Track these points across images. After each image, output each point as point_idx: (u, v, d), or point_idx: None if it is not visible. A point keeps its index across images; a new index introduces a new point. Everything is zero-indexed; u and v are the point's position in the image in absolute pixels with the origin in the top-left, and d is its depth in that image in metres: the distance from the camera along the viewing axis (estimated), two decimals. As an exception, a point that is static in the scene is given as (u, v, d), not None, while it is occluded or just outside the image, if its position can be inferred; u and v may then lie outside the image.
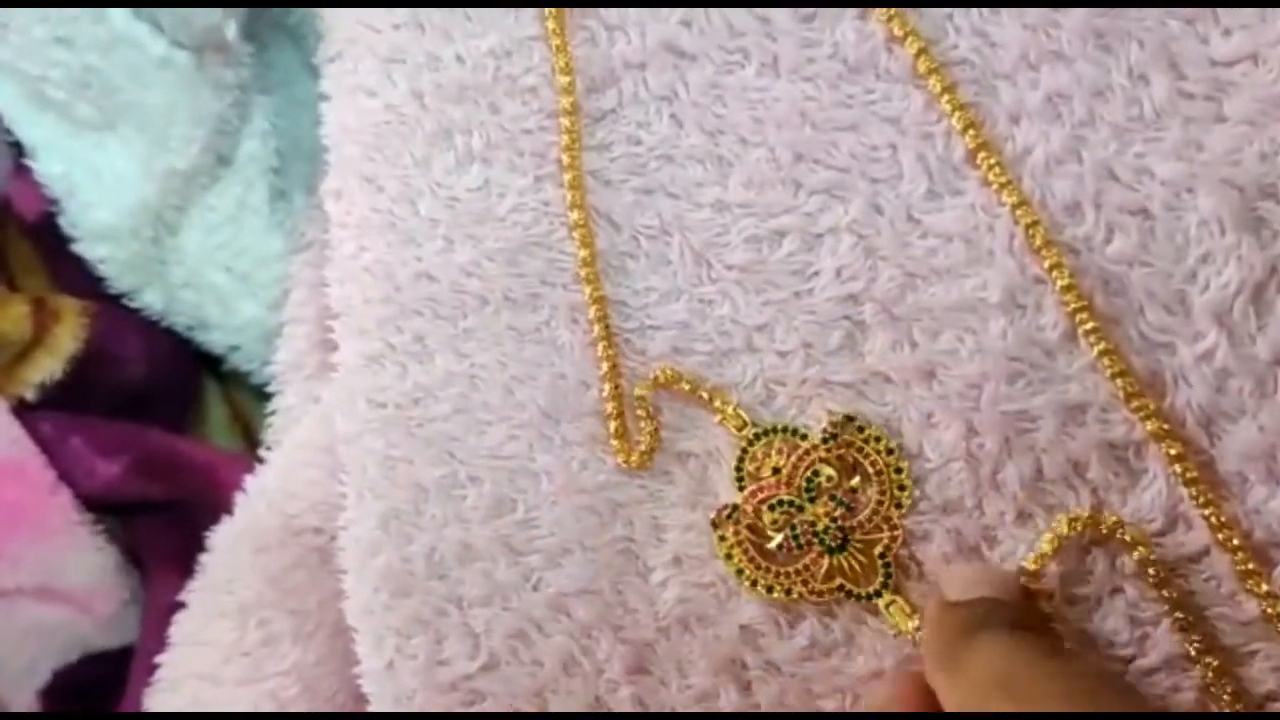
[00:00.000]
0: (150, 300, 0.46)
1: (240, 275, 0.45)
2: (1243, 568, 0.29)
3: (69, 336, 0.45)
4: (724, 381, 0.33)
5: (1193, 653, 0.28)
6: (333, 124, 0.38)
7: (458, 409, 0.34)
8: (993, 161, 0.32)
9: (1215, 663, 0.28)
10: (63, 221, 0.45)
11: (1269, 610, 0.28)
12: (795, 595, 0.31)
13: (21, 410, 0.43)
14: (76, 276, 0.46)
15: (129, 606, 0.44)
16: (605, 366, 0.33)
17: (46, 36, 0.43)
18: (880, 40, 0.34)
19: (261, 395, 0.45)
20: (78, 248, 0.45)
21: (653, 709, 0.32)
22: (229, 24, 0.43)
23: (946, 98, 0.32)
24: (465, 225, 0.35)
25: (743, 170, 0.34)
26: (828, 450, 0.31)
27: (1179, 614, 0.28)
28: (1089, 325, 0.30)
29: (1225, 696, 0.28)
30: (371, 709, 0.34)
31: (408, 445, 0.34)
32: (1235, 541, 0.29)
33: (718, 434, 0.33)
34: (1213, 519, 0.29)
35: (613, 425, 0.33)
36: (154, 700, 0.39)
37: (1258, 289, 0.29)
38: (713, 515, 0.32)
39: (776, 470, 0.31)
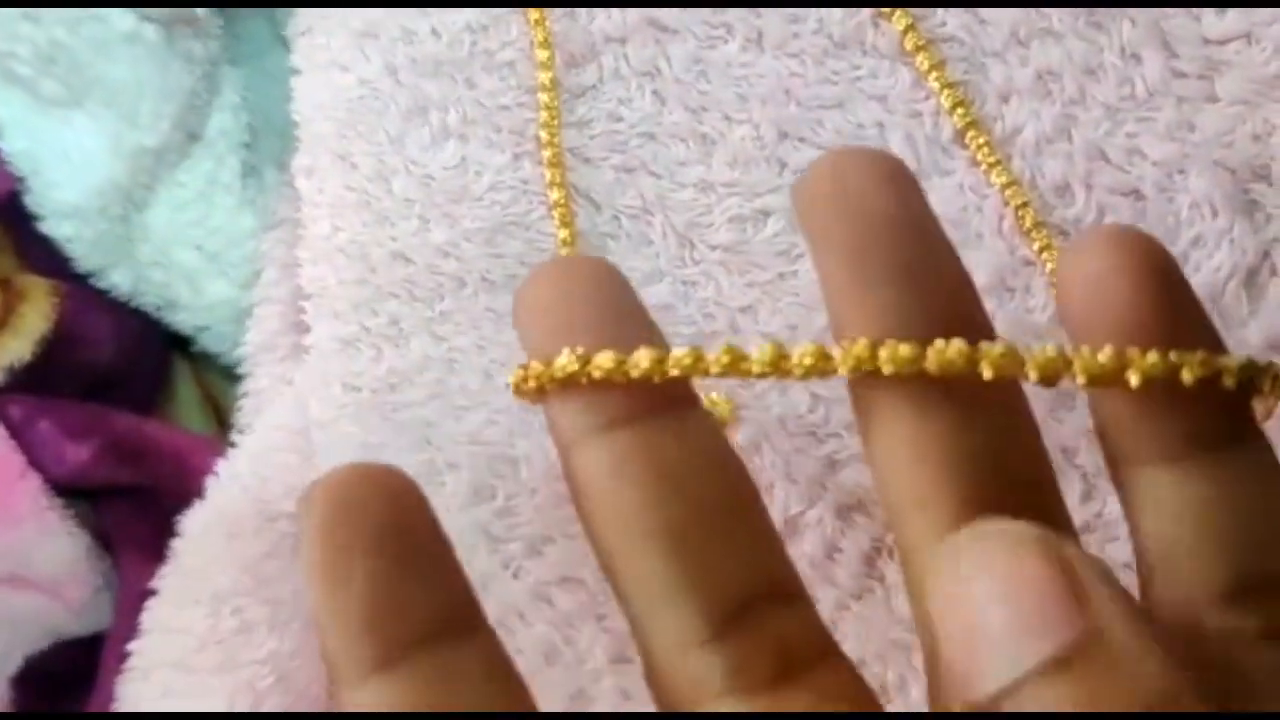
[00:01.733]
0: (118, 280, 0.45)
1: (210, 254, 0.44)
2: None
3: (38, 317, 0.44)
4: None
5: None
6: (304, 100, 0.38)
7: (435, 394, 0.33)
8: (981, 141, 0.31)
9: None
10: (28, 200, 0.44)
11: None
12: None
13: (-12, 394, 0.42)
14: (43, 256, 0.45)
15: (100, 593, 0.43)
16: (586, 350, 0.33)
17: (12, 11, 0.42)
18: (867, 16, 0.33)
19: (233, 377, 0.44)
20: (43, 226, 0.44)
21: (636, 698, 0.31)
22: (198, -5, 0.42)
23: (934, 75, 0.32)
24: (441, 204, 0.34)
25: (727, 149, 0.33)
26: None
27: None
28: (1079, 309, 0.29)
29: None
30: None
31: (384, 431, 0.34)
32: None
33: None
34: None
35: (594, 410, 0.32)
36: (125, 688, 0.39)
37: (1250, 273, 0.29)
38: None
39: None
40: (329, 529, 0.14)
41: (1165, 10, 0.31)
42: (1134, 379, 0.13)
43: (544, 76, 0.35)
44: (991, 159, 0.31)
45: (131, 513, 0.44)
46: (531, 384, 0.16)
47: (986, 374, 0.14)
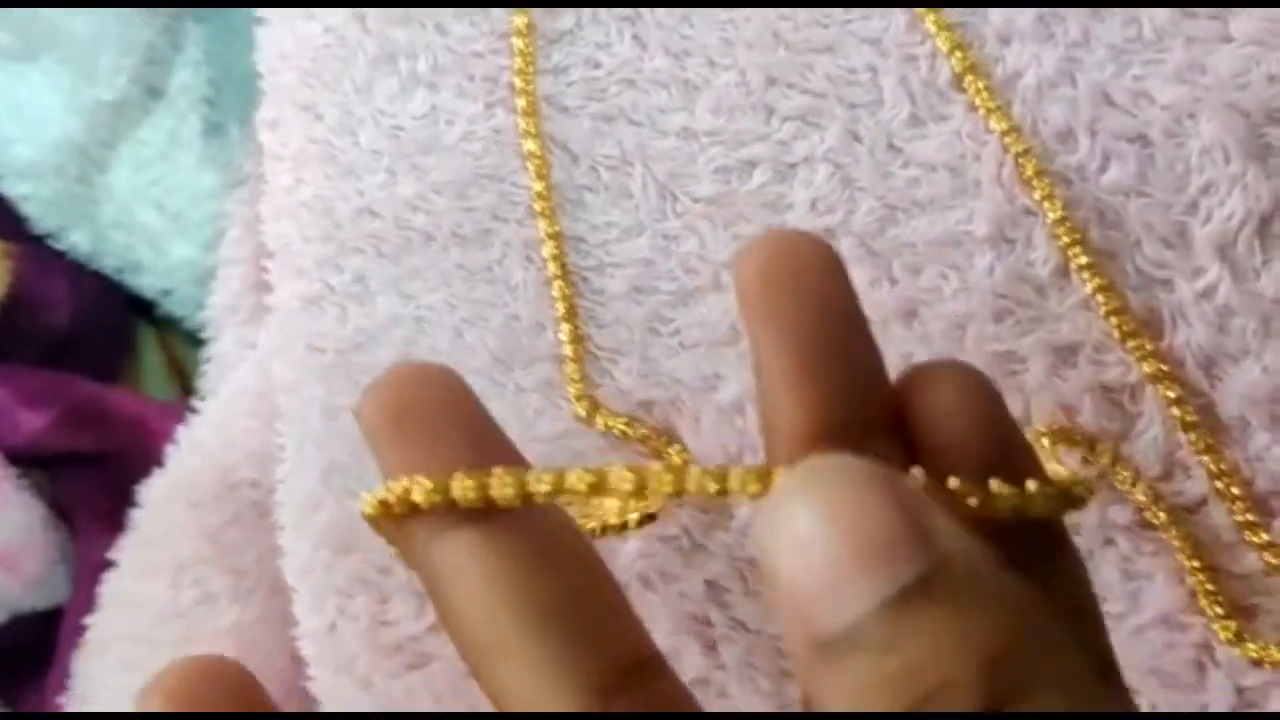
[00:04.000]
0: (77, 241, 0.44)
1: (172, 214, 0.43)
2: (1242, 518, 0.27)
3: (-9, 280, 0.42)
4: (688, 322, 0.30)
5: (1206, 590, 0.27)
6: (268, 49, 0.36)
7: (403, 354, 0.32)
8: (981, 85, 0.29)
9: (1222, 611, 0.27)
10: (-19, 157, 0.43)
11: (1270, 561, 0.27)
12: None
13: (-61, 360, 0.40)
14: (-2, 216, 0.43)
15: (57, 566, 0.42)
16: (561, 308, 0.31)
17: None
18: (859, -46, 0.31)
19: (198, 342, 0.43)
20: (-1, 185, 0.43)
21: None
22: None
23: (931, 17, 0.30)
24: (410, 156, 0.33)
25: (711, 95, 0.31)
26: None
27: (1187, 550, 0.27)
28: (1082, 260, 0.28)
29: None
30: (311, 672, 0.32)
31: (350, 393, 0.32)
32: (1235, 490, 0.27)
33: (683, 379, 0.30)
34: (1211, 466, 0.27)
35: (569, 369, 0.31)
36: (82, 663, 0.37)
37: (1263, 221, 0.27)
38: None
39: None
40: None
41: (1174, -54, 0.29)
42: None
43: (518, 21, 0.33)
44: (991, 104, 0.29)
45: (90, 482, 0.42)
46: (383, 510, 0.16)
47: None
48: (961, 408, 0.15)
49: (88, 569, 0.41)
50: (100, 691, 0.37)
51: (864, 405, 0.16)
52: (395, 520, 0.16)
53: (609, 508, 0.29)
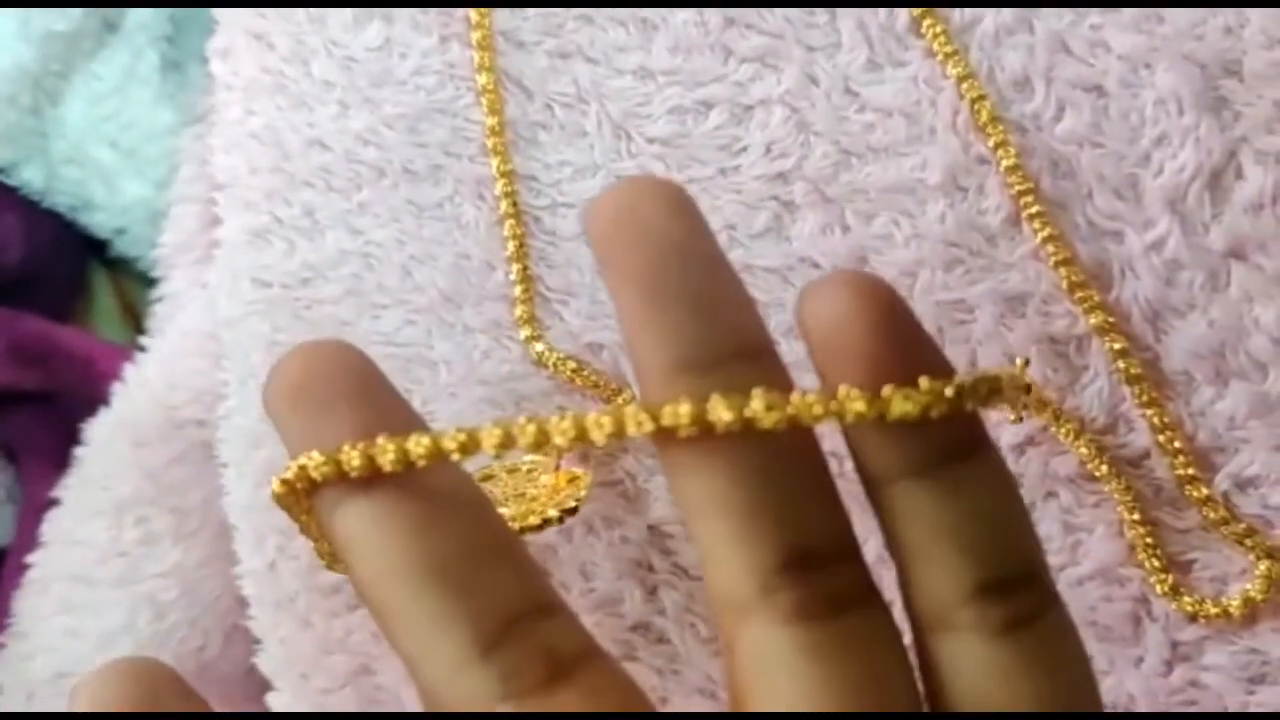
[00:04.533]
0: (29, 177, 0.43)
1: (127, 150, 0.42)
2: (1183, 472, 0.27)
3: (-62, 216, 0.41)
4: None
5: (1145, 544, 0.27)
6: (222, -23, 0.35)
7: (350, 290, 0.31)
8: (938, 30, 0.29)
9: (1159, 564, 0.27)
10: (-74, 84, 0.41)
11: (1209, 515, 0.27)
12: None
13: (-120, 293, 0.39)
14: (-54, 149, 0.42)
15: (3, 506, 0.41)
16: (512, 247, 0.31)
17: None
18: (822, -103, 0.31)
19: (152, 283, 0.42)
20: (-56, 114, 0.42)
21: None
22: None
23: (891, -40, 0.30)
24: (362, 88, 0.32)
25: (668, 34, 0.31)
26: None
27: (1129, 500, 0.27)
28: (1034, 209, 0.28)
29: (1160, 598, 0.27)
30: (251, 612, 0.32)
31: (295, 329, 0.31)
32: (1177, 444, 0.27)
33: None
34: (1155, 420, 0.27)
35: (518, 310, 0.30)
36: (22, 603, 0.37)
37: (1214, 175, 0.27)
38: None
39: None
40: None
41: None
42: (894, 411, 0.15)
43: (477, -45, 0.32)
44: (948, 49, 0.29)
45: (36, 421, 0.42)
46: (288, 488, 0.16)
47: (765, 423, 0.15)
48: (852, 313, 0.15)
49: (33, 508, 0.40)
50: (39, 630, 0.36)
51: (724, 337, 0.16)
52: (302, 499, 0.17)
53: (538, 502, 0.28)
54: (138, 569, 0.35)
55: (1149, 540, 0.27)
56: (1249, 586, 0.26)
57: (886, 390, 0.15)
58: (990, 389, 0.15)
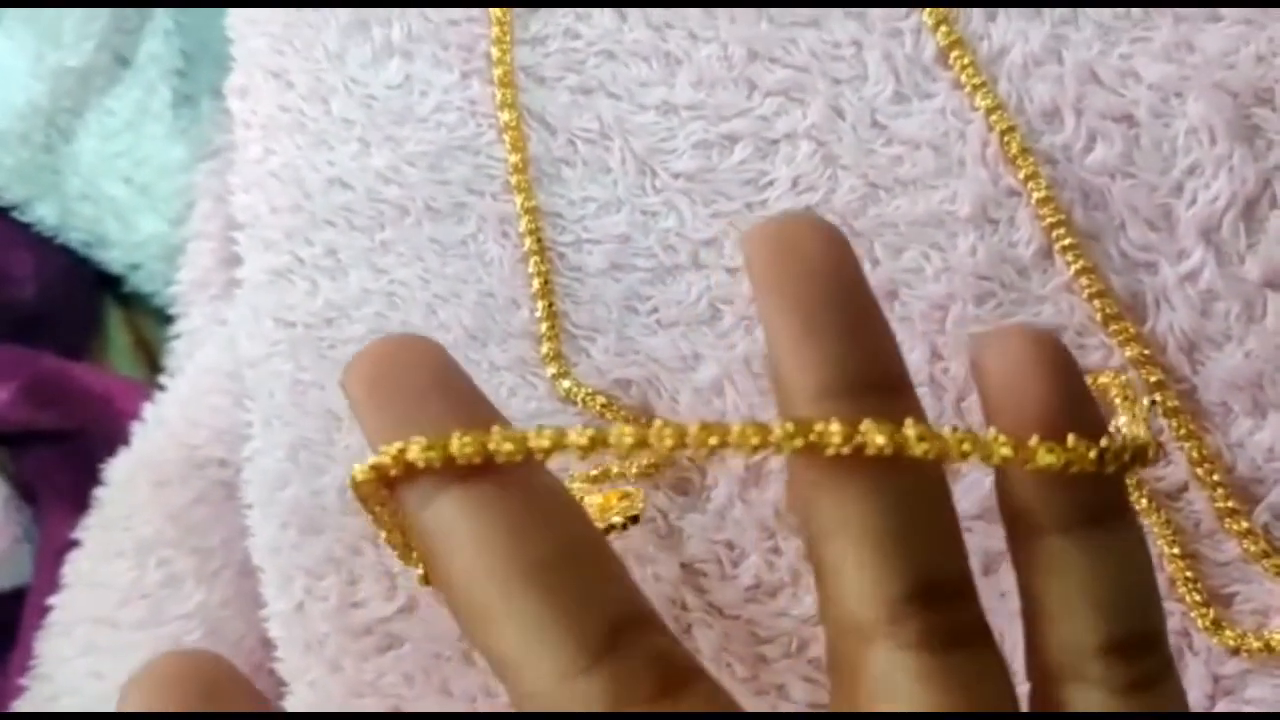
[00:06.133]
0: (43, 214, 0.43)
1: (141, 187, 0.42)
2: (1222, 505, 0.27)
3: (-47, 253, 0.41)
4: (666, 300, 0.30)
5: (1185, 577, 0.26)
6: (238, 15, 0.35)
7: (374, 329, 0.31)
8: (966, 61, 0.29)
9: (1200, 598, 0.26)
10: (-59, 123, 0.41)
11: (1249, 549, 0.26)
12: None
13: (-103, 333, 0.39)
14: (-40, 187, 0.42)
15: (21, 545, 0.41)
16: (537, 284, 0.30)
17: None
18: (844, -72, 0.31)
19: (165, 319, 0.42)
20: (-41, 153, 0.41)
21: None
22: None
23: (917, -8, 0.29)
24: (383, 126, 0.32)
25: (692, 68, 0.31)
26: None
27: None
28: (1066, 241, 0.27)
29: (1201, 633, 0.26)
30: (279, 654, 0.31)
31: (319, 368, 0.31)
32: (1215, 477, 0.27)
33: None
34: (1192, 453, 0.27)
35: (545, 348, 0.30)
36: (45, 645, 0.37)
37: (1249, 204, 0.27)
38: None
39: None
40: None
41: (1163, -76, 0.29)
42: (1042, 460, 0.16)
43: (496, -10, 0.32)
44: (976, 80, 0.29)
45: (55, 460, 0.41)
46: (375, 475, 0.16)
47: (915, 452, 0.15)
48: (1026, 366, 0.16)
49: (52, 549, 0.40)
50: (63, 673, 0.36)
51: (871, 368, 0.16)
52: (386, 489, 0.16)
53: (593, 510, 0.28)
54: (161, 610, 0.35)
55: (1189, 574, 0.27)
56: (1292, 620, 0.26)
57: (1033, 441, 0.15)
58: (1134, 455, 0.16)
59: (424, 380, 0.16)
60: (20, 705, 0.37)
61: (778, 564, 0.29)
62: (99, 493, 0.37)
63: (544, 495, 0.16)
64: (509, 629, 0.15)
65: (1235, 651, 0.26)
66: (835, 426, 0.15)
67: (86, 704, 0.35)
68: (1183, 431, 0.27)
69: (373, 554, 0.30)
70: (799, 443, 0.15)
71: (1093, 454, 0.16)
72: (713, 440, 0.15)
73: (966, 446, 0.15)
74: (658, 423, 0.16)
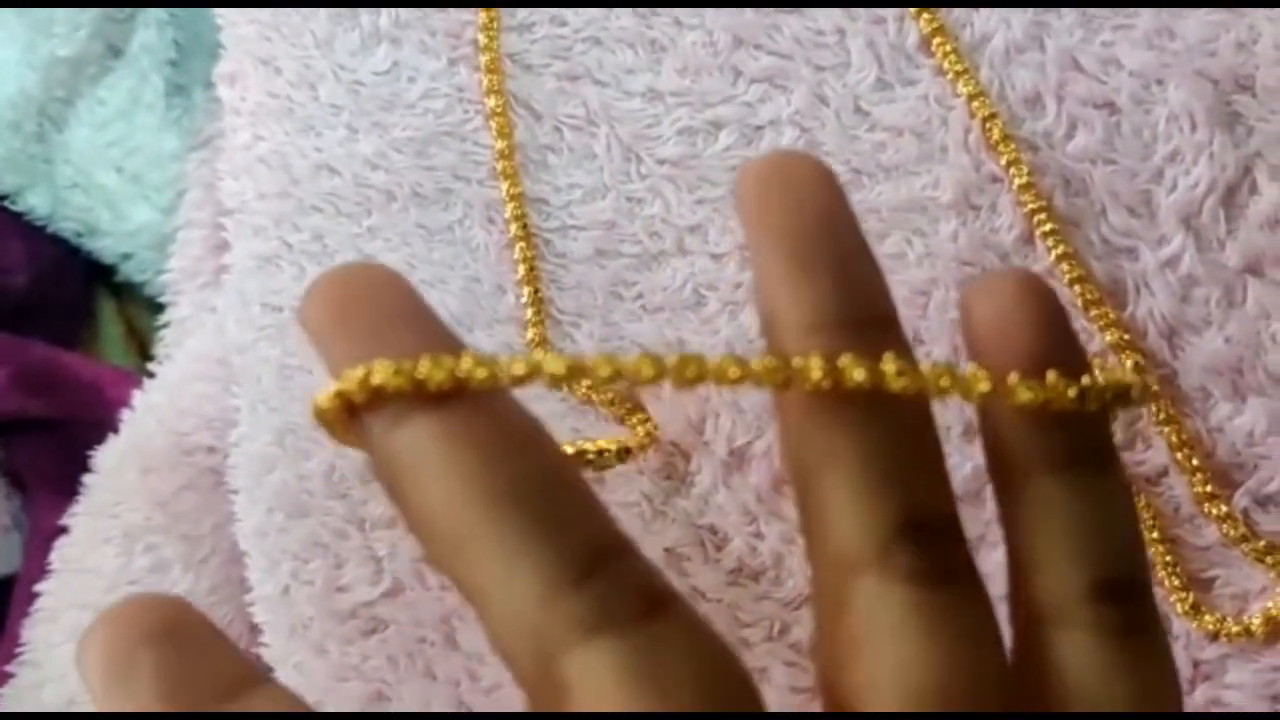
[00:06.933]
0: (34, 203, 0.43)
1: (132, 176, 0.42)
2: (1202, 490, 0.27)
3: (-57, 241, 0.41)
4: (651, 286, 0.30)
5: (1165, 561, 0.27)
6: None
7: (361, 314, 0.31)
8: (948, 49, 0.29)
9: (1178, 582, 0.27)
10: (-68, 112, 0.42)
11: (1229, 533, 0.26)
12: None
13: (-113, 320, 0.39)
14: (-49, 176, 0.42)
15: (10, 533, 0.41)
16: (522, 270, 0.31)
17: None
18: (829, -84, 0.31)
19: (158, 309, 0.42)
20: (-50, 141, 0.42)
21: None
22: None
23: (900, -21, 0.30)
24: (370, 112, 0.32)
25: (677, 55, 0.31)
26: None
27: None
28: (1047, 227, 0.28)
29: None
30: (264, 639, 0.31)
31: (305, 353, 0.31)
32: (1195, 462, 0.27)
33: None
34: (1172, 437, 0.27)
35: (530, 334, 0.30)
36: (33, 631, 0.37)
37: (1229, 190, 0.27)
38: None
39: None
40: None
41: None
42: (1023, 396, 0.16)
43: (484, -22, 0.32)
44: (958, 67, 0.29)
45: (44, 448, 0.41)
46: (340, 401, 0.15)
47: (894, 387, 0.15)
48: (1012, 306, 0.16)
49: (41, 536, 0.40)
50: (50, 659, 0.36)
51: (861, 303, 0.16)
52: (349, 417, 0.15)
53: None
54: (148, 597, 0.35)
55: (1168, 558, 0.27)
56: (1270, 604, 0.26)
57: (1012, 378, 0.15)
58: (1116, 395, 0.16)
59: (389, 307, 0.16)
60: (7, 692, 0.37)
61: (760, 548, 0.29)
62: (87, 479, 0.37)
63: (518, 422, 0.15)
64: (486, 553, 0.15)
65: (1215, 636, 0.27)
66: (815, 361, 0.15)
67: (73, 690, 0.35)
68: (1162, 416, 0.27)
69: (358, 538, 0.30)
70: (779, 377, 0.15)
71: (1072, 392, 0.15)
72: (690, 372, 0.15)
73: (945, 382, 0.15)
74: (636, 354, 0.15)
